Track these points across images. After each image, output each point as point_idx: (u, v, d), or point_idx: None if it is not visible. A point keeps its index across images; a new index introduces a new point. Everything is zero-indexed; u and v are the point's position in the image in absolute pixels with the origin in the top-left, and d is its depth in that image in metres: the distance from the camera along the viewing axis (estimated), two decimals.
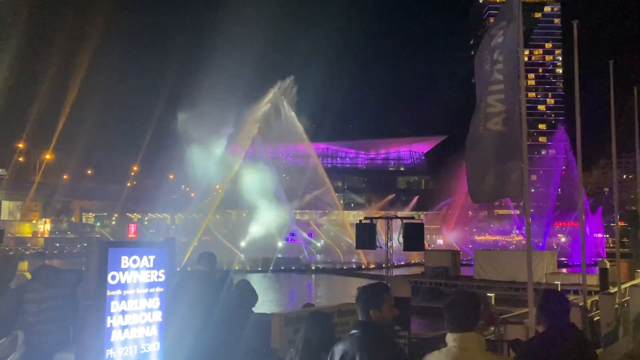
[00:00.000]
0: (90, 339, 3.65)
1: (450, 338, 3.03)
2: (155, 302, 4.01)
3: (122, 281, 3.81)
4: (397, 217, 11.36)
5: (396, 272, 41.34)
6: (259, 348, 5.24)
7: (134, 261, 3.86)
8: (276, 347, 5.48)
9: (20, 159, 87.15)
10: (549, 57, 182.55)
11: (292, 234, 71.32)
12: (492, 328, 17.71)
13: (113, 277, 3.75)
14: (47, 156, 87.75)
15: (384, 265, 48.53)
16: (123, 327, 3.81)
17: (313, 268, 55.71)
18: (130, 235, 74.53)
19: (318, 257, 65.47)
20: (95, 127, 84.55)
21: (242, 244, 64.65)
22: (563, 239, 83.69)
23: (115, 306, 3.77)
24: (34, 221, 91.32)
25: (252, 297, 5.49)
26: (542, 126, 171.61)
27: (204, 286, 5.15)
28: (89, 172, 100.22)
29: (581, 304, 18.13)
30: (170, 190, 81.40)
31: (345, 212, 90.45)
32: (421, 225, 10.73)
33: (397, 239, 10.70)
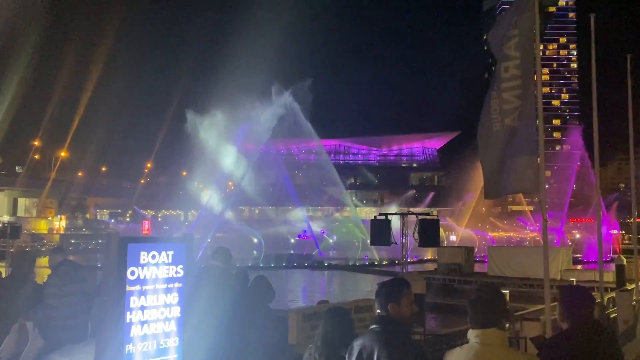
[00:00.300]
0: (110, 334, 3.67)
1: (472, 334, 2.98)
2: (174, 297, 4.01)
3: (141, 277, 3.81)
4: (412, 213, 11.29)
5: (409, 268, 41.20)
6: (276, 344, 5.23)
7: (153, 257, 3.86)
8: (293, 343, 5.47)
9: (36, 156, 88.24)
10: (563, 52, 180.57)
11: (305, 231, 71.47)
12: (507, 325, 17.64)
13: (132, 273, 3.76)
14: (62, 154, 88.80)
15: (396, 262, 48.57)
16: (142, 323, 3.82)
17: (326, 264, 55.76)
18: (144, 232, 75.17)
19: (331, 253, 65.51)
20: (110, 125, 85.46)
21: (255, 240, 64.95)
22: (578, 235, 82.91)
23: (134, 301, 3.78)
24: (50, 218, 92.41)
25: (269, 293, 5.49)
26: (556, 121, 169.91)
27: (222, 282, 5.15)
28: (103, 169, 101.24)
29: (598, 300, 17.96)
30: (183, 187, 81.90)
31: (358, 208, 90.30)
32: (437, 221, 10.64)
33: (412, 235, 10.65)
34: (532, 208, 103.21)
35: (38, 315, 4.86)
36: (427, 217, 10.65)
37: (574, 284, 29.55)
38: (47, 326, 4.84)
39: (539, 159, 9.06)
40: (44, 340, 4.93)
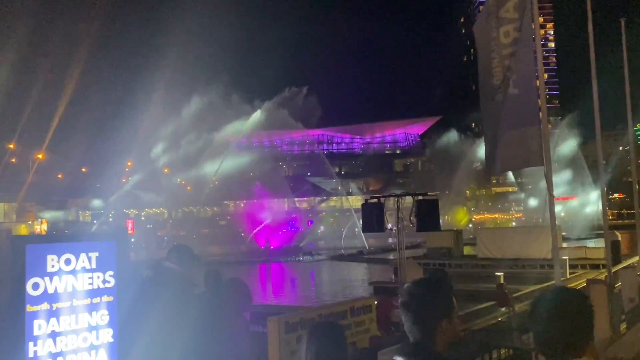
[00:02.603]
0: None
1: None
2: (102, 316, 2.86)
3: (50, 290, 2.64)
4: (408, 194, 10.26)
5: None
6: None
7: (67, 261, 2.69)
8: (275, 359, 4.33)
9: (12, 160, 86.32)
10: (540, 32, 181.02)
11: (292, 222, 70.57)
12: (503, 309, 16.79)
13: (35, 286, 2.59)
14: (40, 156, 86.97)
15: (389, 249, 47.84)
16: (54, 356, 2.65)
17: (314, 255, 54.92)
18: (128, 232, 73.54)
19: (319, 243, 64.87)
20: (89, 126, 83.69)
21: (242, 234, 64.09)
22: (562, 214, 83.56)
23: (40, 327, 2.61)
24: (30, 222, 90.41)
25: (245, 299, 4.29)
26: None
27: (180, 293, 3.90)
28: (83, 170, 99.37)
29: (603, 277, 17.23)
30: (165, 184, 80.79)
31: (344, 197, 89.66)
32: (435, 202, 9.55)
33: (408, 219, 9.62)
34: (516, 189, 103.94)
35: None
36: (426, 198, 9.59)
37: (566, 263, 28.96)
38: None
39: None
40: None
